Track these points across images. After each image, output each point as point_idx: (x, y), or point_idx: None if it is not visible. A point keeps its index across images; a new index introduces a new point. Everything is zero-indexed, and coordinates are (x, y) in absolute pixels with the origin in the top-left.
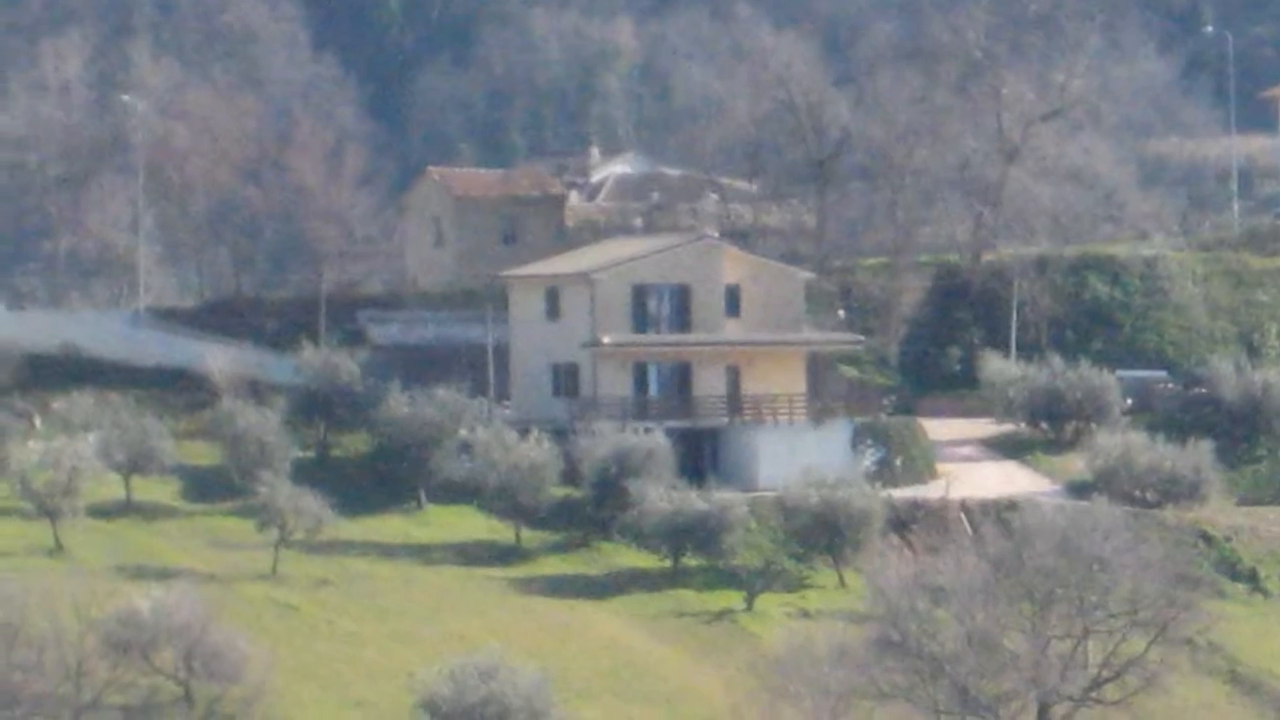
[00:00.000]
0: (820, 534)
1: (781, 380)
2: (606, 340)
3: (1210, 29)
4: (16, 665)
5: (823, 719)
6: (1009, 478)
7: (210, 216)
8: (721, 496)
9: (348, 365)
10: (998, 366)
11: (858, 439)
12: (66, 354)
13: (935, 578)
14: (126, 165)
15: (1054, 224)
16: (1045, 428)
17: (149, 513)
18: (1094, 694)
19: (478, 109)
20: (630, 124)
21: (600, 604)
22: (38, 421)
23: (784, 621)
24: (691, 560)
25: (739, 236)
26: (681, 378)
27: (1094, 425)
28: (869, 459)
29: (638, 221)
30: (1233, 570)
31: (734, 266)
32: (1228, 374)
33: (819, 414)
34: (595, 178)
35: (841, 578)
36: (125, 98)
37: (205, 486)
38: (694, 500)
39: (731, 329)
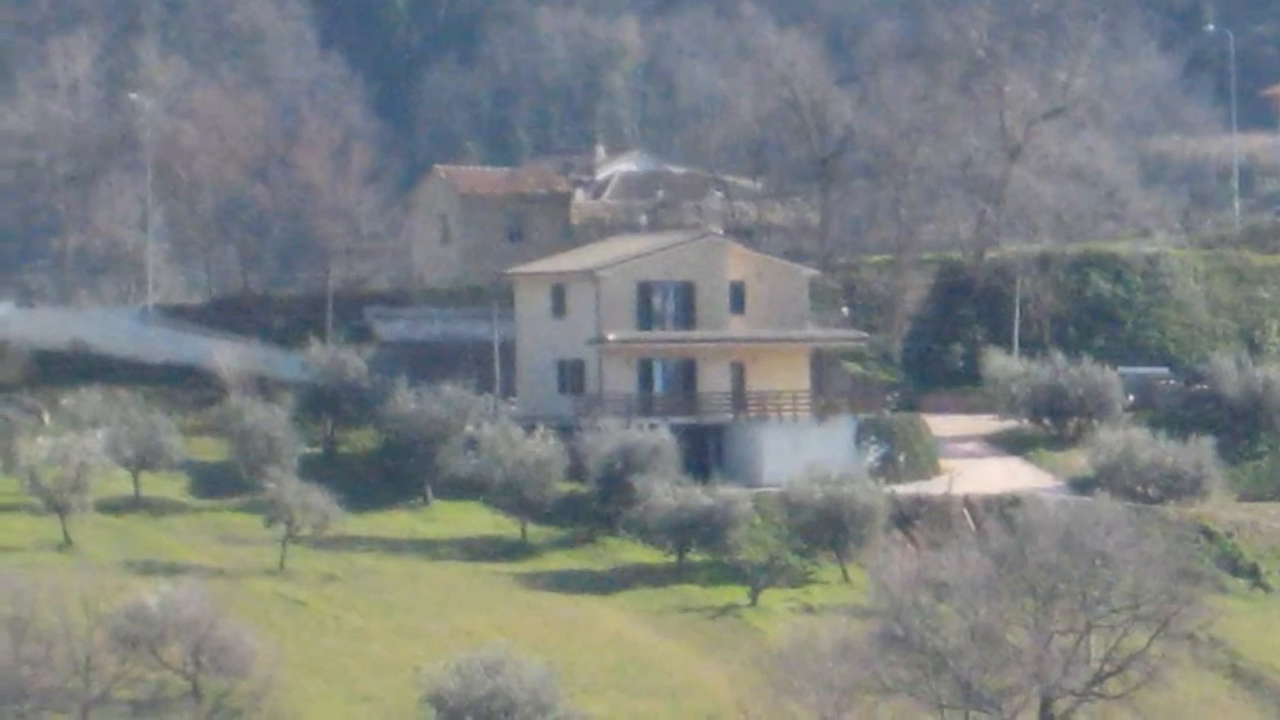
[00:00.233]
0: (824, 530)
1: (786, 377)
2: (612, 337)
3: (1211, 28)
4: (25, 659)
5: (826, 714)
6: (1012, 474)
7: (218, 214)
8: (726, 492)
9: (355, 362)
10: (1000, 363)
11: (861, 435)
12: (75, 351)
13: (938, 573)
14: (135, 163)
15: (1056, 221)
16: (1048, 424)
17: (157, 508)
18: (1096, 688)
19: (484, 107)
20: (635, 122)
21: (605, 599)
22: (47, 418)
23: (788, 617)
24: (696, 556)
25: (743, 234)
26: (686, 374)
27: (1096, 421)
28: (873, 455)
29: (643, 219)
30: (1234, 565)
31: (738, 264)
32: (1229, 370)
33: (823, 410)
34: (600, 175)
35: (845, 573)
36: (133, 96)
37: (213, 482)
38: (699, 496)
39: (736, 326)
